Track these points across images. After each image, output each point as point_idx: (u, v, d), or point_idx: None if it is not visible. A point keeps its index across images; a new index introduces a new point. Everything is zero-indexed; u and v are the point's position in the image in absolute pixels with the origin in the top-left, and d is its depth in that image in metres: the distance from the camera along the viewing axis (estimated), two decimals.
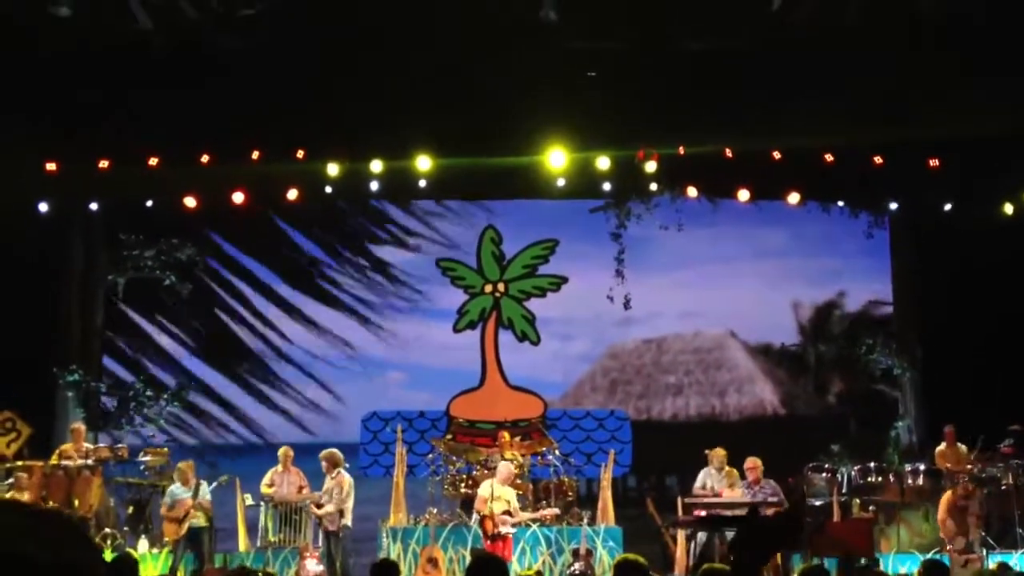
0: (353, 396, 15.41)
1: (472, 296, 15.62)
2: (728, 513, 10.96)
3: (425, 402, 15.20)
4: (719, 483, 11.97)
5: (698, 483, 12.14)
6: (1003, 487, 12.43)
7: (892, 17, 12.64)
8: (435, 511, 12.42)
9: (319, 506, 11.82)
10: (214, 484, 12.09)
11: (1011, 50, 12.57)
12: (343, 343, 15.60)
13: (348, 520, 11.76)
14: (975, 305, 14.18)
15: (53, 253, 14.30)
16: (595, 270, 15.40)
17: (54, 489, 12.24)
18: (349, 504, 11.78)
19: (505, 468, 11.94)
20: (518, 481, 12.51)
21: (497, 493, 11.49)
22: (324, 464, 11.99)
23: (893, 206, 14.41)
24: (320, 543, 11.97)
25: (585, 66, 13.76)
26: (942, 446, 13.33)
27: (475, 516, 11.68)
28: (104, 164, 13.53)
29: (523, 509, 12.25)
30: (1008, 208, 14.07)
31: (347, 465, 12.11)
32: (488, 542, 11.26)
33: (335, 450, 12.20)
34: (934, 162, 13.80)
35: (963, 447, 12.96)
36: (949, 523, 11.61)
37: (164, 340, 15.43)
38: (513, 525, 11.49)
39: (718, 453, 12.09)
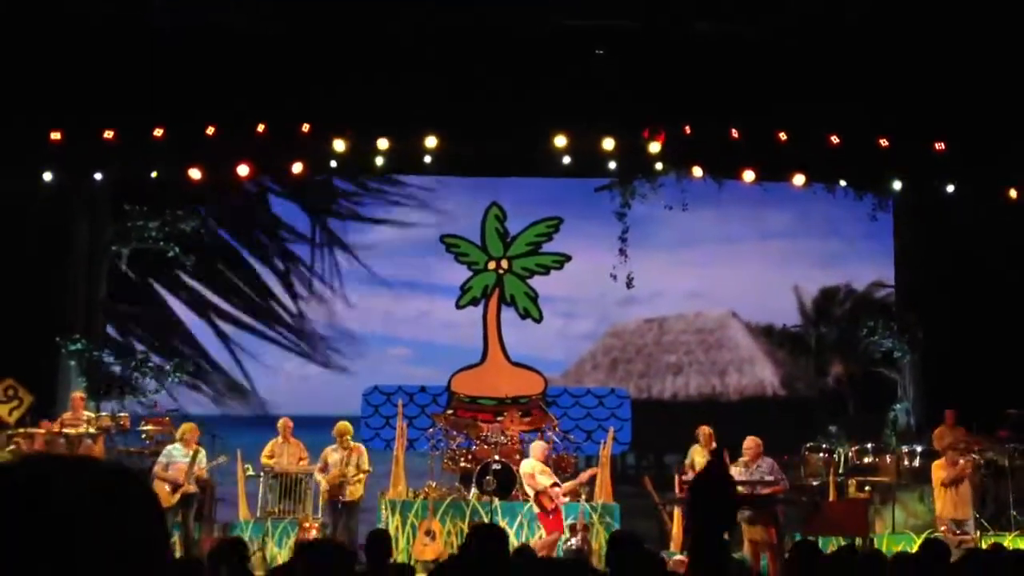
0: (354, 370, 15.50)
1: (475, 273, 15.65)
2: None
3: (427, 377, 15.27)
4: (701, 457, 12.31)
5: (687, 459, 12.66)
6: (999, 468, 12.48)
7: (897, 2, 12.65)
8: (434, 484, 12.49)
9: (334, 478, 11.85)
10: (213, 463, 12.12)
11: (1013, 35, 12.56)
12: (344, 316, 15.68)
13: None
14: (976, 289, 14.20)
15: (57, 223, 14.34)
16: (599, 249, 15.41)
17: None
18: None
19: (540, 445, 12.16)
20: (516, 457, 12.60)
21: (540, 468, 11.70)
22: (343, 438, 12.06)
23: (897, 186, 14.37)
24: (325, 515, 11.95)
25: (592, 44, 13.76)
26: (941, 428, 13.39)
27: (529, 493, 11.67)
28: (109, 135, 13.55)
29: (520, 486, 12.37)
30: (1012, 192, 14.03)
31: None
32: (548, 517, 11.44)
33: (346, 422, 12.35)
34: (939, 145, 13.77)
35: (962, 430, 13.00)
36: (943, 497, 11.70)
37: (167, 310, 15.52)
38: (564, 495, 11.74)
39: (703, 430, 12.52)
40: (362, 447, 12.34)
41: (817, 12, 13.06)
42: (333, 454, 12.00)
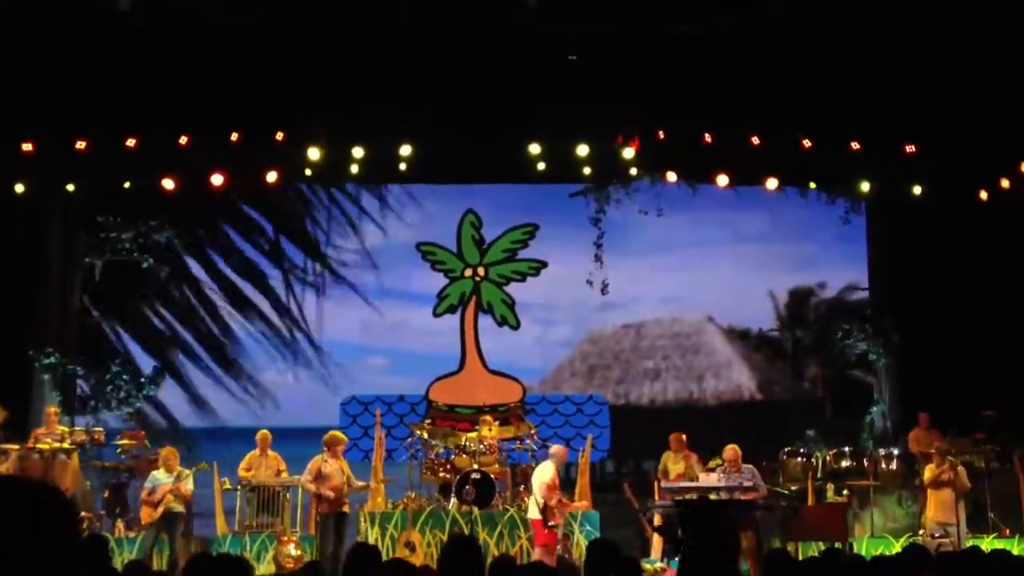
0: (332, 380, 15.43)
1: (452, 280, 15.63)
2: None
3: (405, 387, 15.22)
4: (675, 464, 12.52)
5: (660, 466, 12.78)
6: (976, 471, 12.56)
7: (873, 5, 12.73)
8: (413, 495, 12.45)
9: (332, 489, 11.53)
10: (194, 469, 12.01)
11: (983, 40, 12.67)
12: (321, 326, 15.62)
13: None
14: (950, 291, 14.30)
15: (30, 235, 14.18)
16: (575, 255, 15.42)
17: (29, 472, 12.16)
18: None
19: (562, 451, 11.59)
20: (496, 467, 12.58)
21: (555, 479, 11.12)
22: (333, 448, 11.65)
23: (866, 188, 14.45)
24: (319, 528, 11.49)
25: (566, 51, 13.76)
26: (916, 431, 13.48)
27: (538, 500, 11.01)
28: (81, 145, 13.41)
29: (500, 493, 12.36)
30: (983, 194, 14.15)
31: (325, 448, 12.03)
32: (547, 530, 10.92)
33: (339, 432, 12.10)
34: (910, 148, 13.86)
35: (937, 432, 13.09)
36: (930, 500, 11.75)
37: (142, 323, 15.39)
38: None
39: (674, 436, 12.69)
40: (346, 461, 11.97)
41: (789, 15, 13.12)
42: (326, 465, 11.48)
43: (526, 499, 11.91)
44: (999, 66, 13.10)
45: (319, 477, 11.39)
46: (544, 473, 11.20)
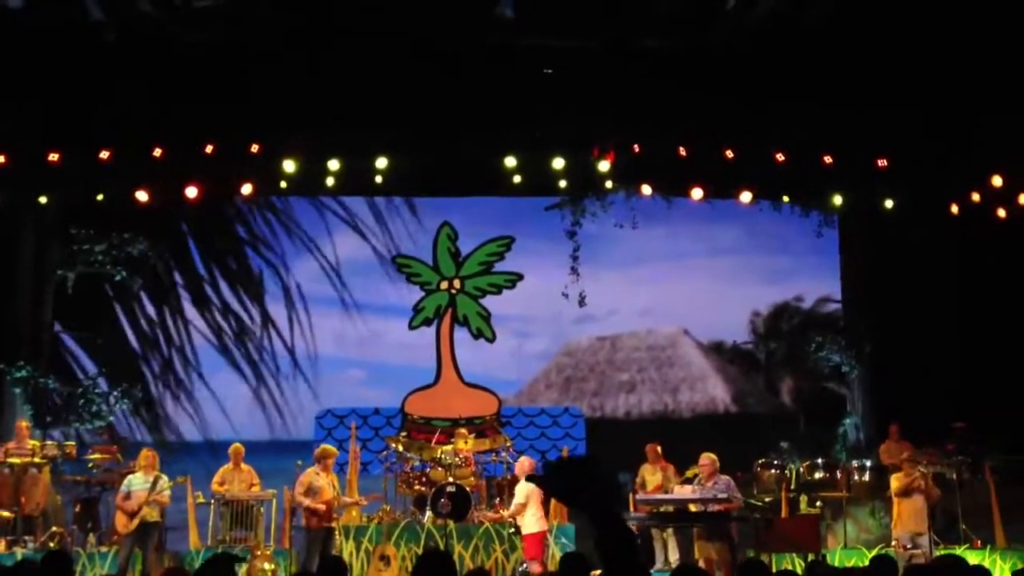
0: (307, 393, 15.38)
1: (428, 293, 15.63)
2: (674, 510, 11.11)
3: (381, 399, 15.19)
4: (651, 476, 12.62)
5: (638, 479, 12.85)
6: (947, 482, 12.64)
7: (845, 18, 12.84)
8: (388, 508, 12.41)
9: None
10: (172, 483, 11.80)
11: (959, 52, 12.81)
12: (296, 339, 15.57)
13: None
14: (922, 304, 14.43)
15: (2, 246, 14.09)
16: (550, 268, 15.46)
17: (0, 487, 12.08)
18: None
19: (524, 462, 11.44)
20: (471, 479, 12.56)
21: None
22: (324, 462, 11.48)
23: (839, 201, 14.56)
24: (304, 542, 11.33)
25: (541, 64, 13.81)
26: (887, 443, 13.57)
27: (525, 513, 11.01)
28: (54, 157, 13.34)
29: (476, 506, 12.35)
30: (954, 208, 14.29)
31: (299, 462, 11.96)
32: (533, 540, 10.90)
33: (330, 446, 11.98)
34: (882, 162, 13.99)
35: (908, 444, 13.17)
36: (898, 511, 11.78)
37: (114, 335, 15.28)
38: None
39: (650, 448, 12.87)
40: (335, 476, 11.78)
41: (762, 29, 13.21)
42: (318, 479, 11.27)
43: (502, 511, 11.89)
44: (970, 80, 13.24)
45: (310, 491, 11.23)
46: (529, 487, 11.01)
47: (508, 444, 13.54)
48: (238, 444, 12.86)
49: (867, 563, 8.70)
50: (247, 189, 14.20)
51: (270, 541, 12.14)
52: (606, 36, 13.38)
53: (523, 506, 10.93)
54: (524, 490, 10.99)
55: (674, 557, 12.13)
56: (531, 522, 10.90)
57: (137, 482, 11.25)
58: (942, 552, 10.85)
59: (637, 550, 3.12)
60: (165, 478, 11.40)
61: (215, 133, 13.58)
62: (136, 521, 11.04)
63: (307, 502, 11.15)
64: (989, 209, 14.14)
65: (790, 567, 10.87)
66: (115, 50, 12.90)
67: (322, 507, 11.13)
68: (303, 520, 11.35)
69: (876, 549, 11.78)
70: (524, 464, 11.32)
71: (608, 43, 13.43)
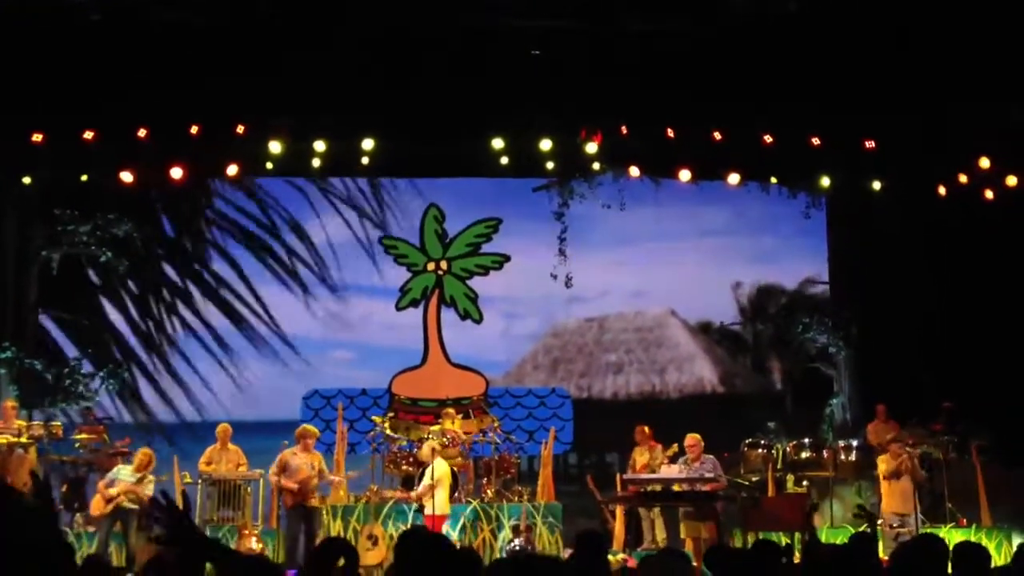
0: (294, 373, 15.33)
1: (415, 274, 15.60)
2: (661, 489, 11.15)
3: (368, 380, 15.18)
4: (641, 456, 12.62)
5: (631, 461, 12.83)
6: (934, 462, 12.72)
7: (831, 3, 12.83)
8: (376, 488, 12.41)
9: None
10: (157, 478, 11.79)
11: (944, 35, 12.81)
12: (283, 319, 15.52)
13: None
14: (909, 285, 14.47)
15: None
16: (538, 249, 15.44)
17: None
18: None
19: (428, 445, 11.90)
20: (459, 459, 12.57)
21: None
22: (304, 441, 11.48)
23: (827, 183, 14.57)
24: (285, 522, 11.44)
25: (529, 45, 13.75)
26: (874, 423, 13.64)
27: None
28: (38, 138, 13.23)
29: (463, 486, 12.40)
30: (941, 190, 14.32)
31: (286, 442, 11.91)
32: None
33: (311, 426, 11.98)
34: (869, 143, 13.99)
35: (895, 424, 13.24)
36: (886, 491, 11.83)
37: (100, 316, 15.22)
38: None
39: (638, 429, 12.90)
40: (319, 454, 11.80)
41: (749, 11, 13.18)
42: (294, 458, 11.28)
43: (489, 491, 11.99)
44: (957, 62, 13.24)
45: (285, 470, 11.25)
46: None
47: (496, 425, 13.55)
48: (225, 424, 12.85)
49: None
50: (233, 170, 14.13)
51: (258, 520, 12.13)
52: (593, 18, 13.32)
53: (431, 487, 11.24)
54: (437, 472, 11.34)
55: (661, 536, 12.20)
56: (440, 503, 11.20)
57: (124, 475, 11.47)
58: (927, 531, 10.92)
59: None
60: (153, 479, 11.55)
61: (200, 114, 13.49)
62: (111, 506, 11.26)
63: (280, 480, 11.21)
64: (977, 191, 14.17)
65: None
66: (99, 30, 12.78)
67: (294, 486, 11.13)
68: (273, 499, 11.45)
69: (861, 528, 11.84)
70: (426, 449, 11.78)
71: (595, 25, 13.37)
